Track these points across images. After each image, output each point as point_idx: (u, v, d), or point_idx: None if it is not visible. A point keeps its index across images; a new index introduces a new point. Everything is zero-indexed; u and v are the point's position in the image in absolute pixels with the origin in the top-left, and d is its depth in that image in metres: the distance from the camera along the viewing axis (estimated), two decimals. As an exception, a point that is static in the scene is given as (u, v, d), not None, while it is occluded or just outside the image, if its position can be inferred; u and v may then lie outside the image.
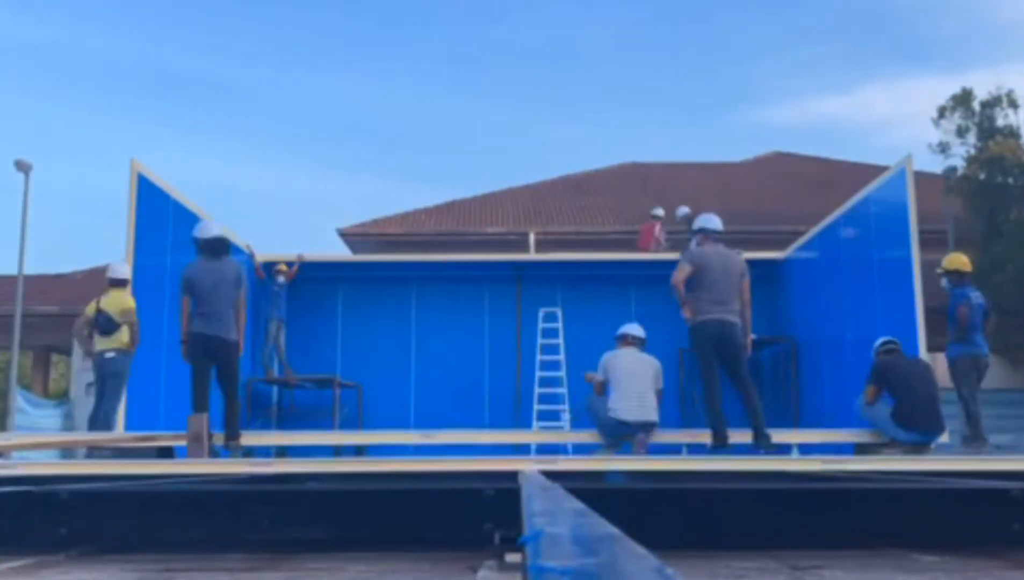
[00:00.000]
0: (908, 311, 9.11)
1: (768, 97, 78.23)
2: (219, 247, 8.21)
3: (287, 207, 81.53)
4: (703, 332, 7.98)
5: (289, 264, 12.62)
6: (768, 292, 12.75)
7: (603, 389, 8.84)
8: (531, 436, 11.00)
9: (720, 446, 7.97)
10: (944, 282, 9.87)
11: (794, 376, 12.48)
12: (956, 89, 21.63)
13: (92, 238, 62.68)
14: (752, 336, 8.37)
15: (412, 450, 9.74)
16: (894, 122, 79.09)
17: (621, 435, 8.73)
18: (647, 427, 8.60)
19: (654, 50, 79.46)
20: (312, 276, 13.00)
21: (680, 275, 8.03)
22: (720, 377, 8.06)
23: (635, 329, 9.16)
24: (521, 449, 10.55)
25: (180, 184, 10.33)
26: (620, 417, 8.58)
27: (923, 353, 8.91)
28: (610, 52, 78.03)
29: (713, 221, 8.45)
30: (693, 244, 8.82)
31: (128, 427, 8.96)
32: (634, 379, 8.67)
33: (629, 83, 79.17)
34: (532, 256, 14.30)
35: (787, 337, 12.57)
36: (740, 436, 8.09)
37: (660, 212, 15.50)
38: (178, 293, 8.20)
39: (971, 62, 69.40)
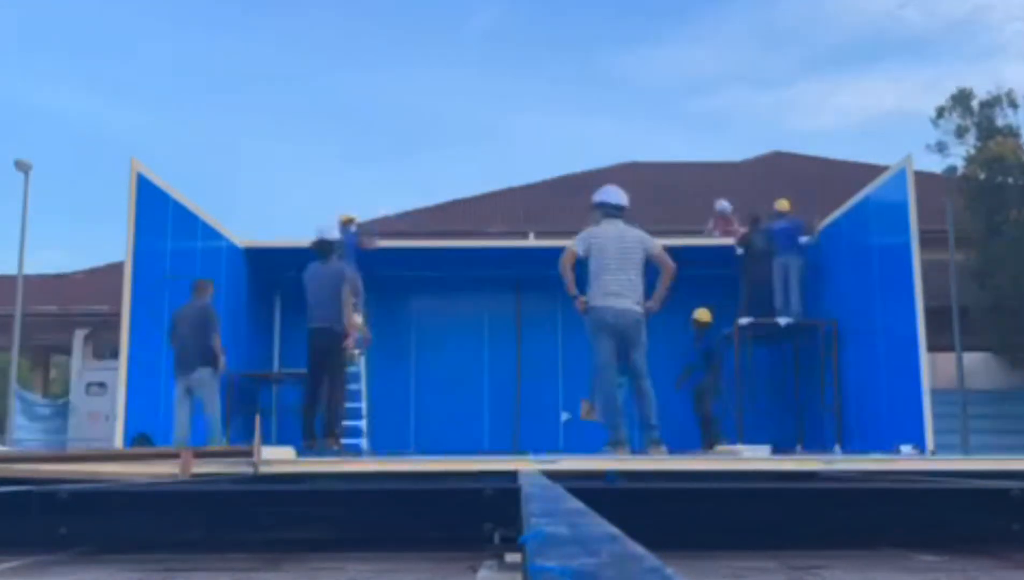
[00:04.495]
0: (908, 310, 9.09)
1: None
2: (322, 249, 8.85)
3: (286, 204, 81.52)
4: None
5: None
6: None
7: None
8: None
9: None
10: None
11: (795, 374, 12.46)
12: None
13: (92, 238, 62.64)
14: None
15: (412, 450, 9.73)
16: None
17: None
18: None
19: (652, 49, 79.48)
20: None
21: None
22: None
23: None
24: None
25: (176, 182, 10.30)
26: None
27: (923, 353, 8.89)
28: (610, 51, 78.07)
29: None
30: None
31: (127, 428, 8.92)
32: None
33: (627, 83, 79.19)
34: (532, 242, 14.29)
35: (787, 336, 12.55)
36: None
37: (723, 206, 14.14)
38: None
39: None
